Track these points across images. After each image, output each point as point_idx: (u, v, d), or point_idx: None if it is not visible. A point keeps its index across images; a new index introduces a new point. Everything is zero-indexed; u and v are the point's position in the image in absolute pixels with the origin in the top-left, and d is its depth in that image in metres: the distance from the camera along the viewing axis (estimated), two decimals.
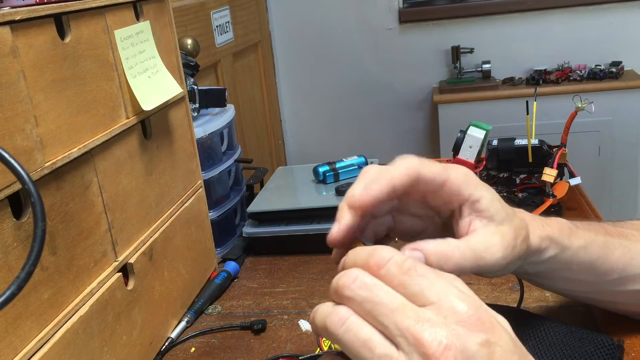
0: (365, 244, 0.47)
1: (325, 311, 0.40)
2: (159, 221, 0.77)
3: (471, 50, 2.51)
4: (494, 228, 0.49)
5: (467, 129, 1.03)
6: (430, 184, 0.48)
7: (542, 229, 0.55)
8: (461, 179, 0.49)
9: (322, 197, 1.04)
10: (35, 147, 0.54)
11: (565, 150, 1.01)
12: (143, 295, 0.71)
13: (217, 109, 1.08)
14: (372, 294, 0.38)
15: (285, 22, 2.67)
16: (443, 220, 0.53)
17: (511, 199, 1.04)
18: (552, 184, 0.99)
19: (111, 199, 0.66)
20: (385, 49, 2.64)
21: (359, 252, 0.42)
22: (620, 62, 2.38)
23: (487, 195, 0.50)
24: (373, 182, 0.47)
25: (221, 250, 1.01)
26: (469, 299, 0.38)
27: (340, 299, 0.40)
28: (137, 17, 0.74)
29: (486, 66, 2.48)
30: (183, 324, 0.80)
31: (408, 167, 0.47)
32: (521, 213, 0.55)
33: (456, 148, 1.03)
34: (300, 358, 0.70)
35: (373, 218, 0.52)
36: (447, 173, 0.49)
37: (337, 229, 0.47)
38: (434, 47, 2.60)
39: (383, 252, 0.40)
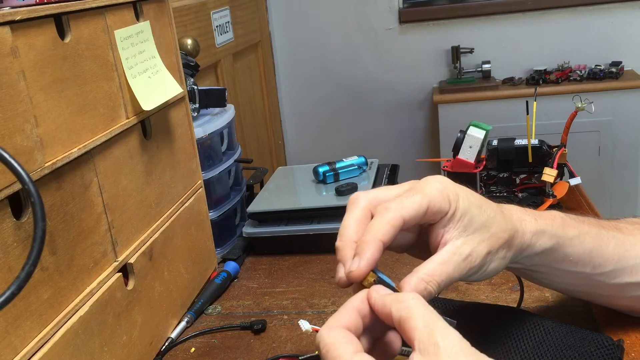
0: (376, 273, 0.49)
1: None
2: (159, 221, 0.77)
3: (471, 50, 2.51)
4: (464, 239, 0.52)
5: (467, 129, 1.03)
6: (414, 218, 0.51)
7: (535, 223, 0.57)
8: (438, 199, 0.51)
9: (322, 197, 1.04)
10: (35, 147, 0.54)
11: (565, 150, 1.01)
12: (143, 295, 0.71)
13: (217, 109, 1.08)
14: None
15: (285, 22, 2.67)
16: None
17: (511, 199, 1.04)
18: (552, 184, 0.99)
19: (111, 199, 0.66)
20: (385, 49, 2.64)
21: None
22: (620, 62, 2.38)
23: (462, 205, 0.52)
24: (365, 247, 0.49)
25: (221, 250, 1.01)
26: None
27: None
28: (137, 17, 0.74)
29: (486, 66, 2.48)
30: (183, 324, 0.80)
31: (391, 219, 0.50)
32: (510, 211, 0.57)
33: (456, 148, 1.03)
34: (300, 358, 0.70)
35: None
36: (425, 200, 0.51)
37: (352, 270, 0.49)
38: (434, 47, 2.60)
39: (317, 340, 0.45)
